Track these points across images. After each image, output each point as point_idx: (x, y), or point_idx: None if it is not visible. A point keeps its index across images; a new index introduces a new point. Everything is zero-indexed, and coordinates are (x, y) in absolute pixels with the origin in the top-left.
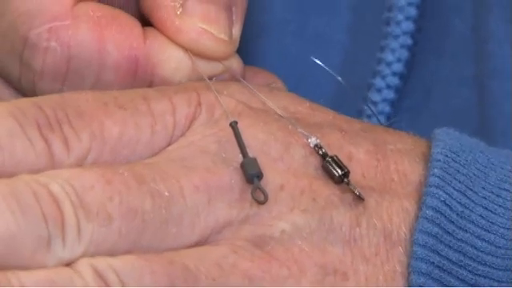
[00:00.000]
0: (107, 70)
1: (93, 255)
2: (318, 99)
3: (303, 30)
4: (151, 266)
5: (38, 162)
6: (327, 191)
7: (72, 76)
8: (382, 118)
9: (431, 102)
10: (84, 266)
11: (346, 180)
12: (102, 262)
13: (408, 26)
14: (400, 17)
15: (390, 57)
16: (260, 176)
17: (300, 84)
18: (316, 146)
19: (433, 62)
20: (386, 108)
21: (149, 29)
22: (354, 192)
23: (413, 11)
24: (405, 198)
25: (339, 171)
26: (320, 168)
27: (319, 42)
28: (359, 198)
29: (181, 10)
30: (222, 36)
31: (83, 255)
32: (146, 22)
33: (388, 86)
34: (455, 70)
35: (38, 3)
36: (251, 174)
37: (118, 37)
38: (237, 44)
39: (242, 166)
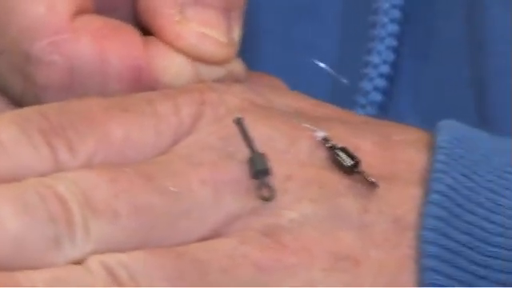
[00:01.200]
0: (111, 81)
1: (102, 252)
2: None
3: (289, 38)
4: (161, 260)
5: (44, 166)
6: (335, 180)
7: (76, 88)
8: None
9: (420, 104)
10: (94, 262)
11: (358, 169)
12: (112, 258)
13: (393, 28)
14: (385, 19)
15: (376, 59)
16: (267, 172)
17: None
18: (324, 138)
19: (420, 65)
20: (375, 111)
21: (149, 37)
22: (367, 180)
23: (397, 13)
24: (412, 185)
25: (350, 161)
26: (326, 159)
27: (306, 49)
28: (373, 186)
29: (180, 16)
30: (222, 39)
31: (93, 253)
32: (144, 31)
33: (375, 88)
34: (445, 72)
35: (38, 18)
36: (257, 170)
37: (119, 47)
38: (237, 47)
39: (250, 161)
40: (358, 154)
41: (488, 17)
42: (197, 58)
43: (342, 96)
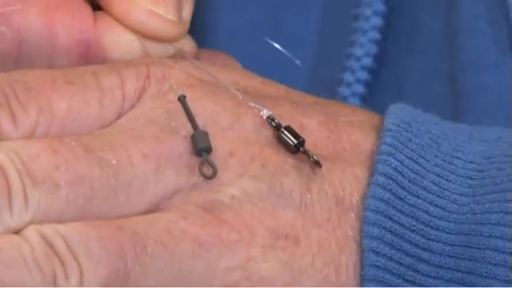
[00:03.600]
0: (58, 54)
1: (41, 223)
2: None
3: (273, 29)
4: (99, 231)
5: None
6: (277, 158)
7: (23, 61)
8: None
9: (403, 97)
10: (31, 232)
11: (302, 148)
12: (49, 228)
13: (376, 21)
14: (368, 12)
15: (358, 51)
16: (209, 150)
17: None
18: (269, 117)
19: (403, 58)
20: (357, 102)
21: (99, 12)
22: (311, 159)
23: (380, 6)
24: (357, 166)
25: (294, 140)
26: (271, 138)
27: (289, 40)
28: (316, 165)
29: None
30: (171, 17)
31: (31, 223)
32: (95, 6)
33: (357, 81)
34: (427, 65)
35: None
36: (200, 148)
37: (69, 20)
38: (187, 26)
39: (193, 138)
40: (304, 134)
41: (461, 11)
42: (145, 35)
43: (324, 88)
